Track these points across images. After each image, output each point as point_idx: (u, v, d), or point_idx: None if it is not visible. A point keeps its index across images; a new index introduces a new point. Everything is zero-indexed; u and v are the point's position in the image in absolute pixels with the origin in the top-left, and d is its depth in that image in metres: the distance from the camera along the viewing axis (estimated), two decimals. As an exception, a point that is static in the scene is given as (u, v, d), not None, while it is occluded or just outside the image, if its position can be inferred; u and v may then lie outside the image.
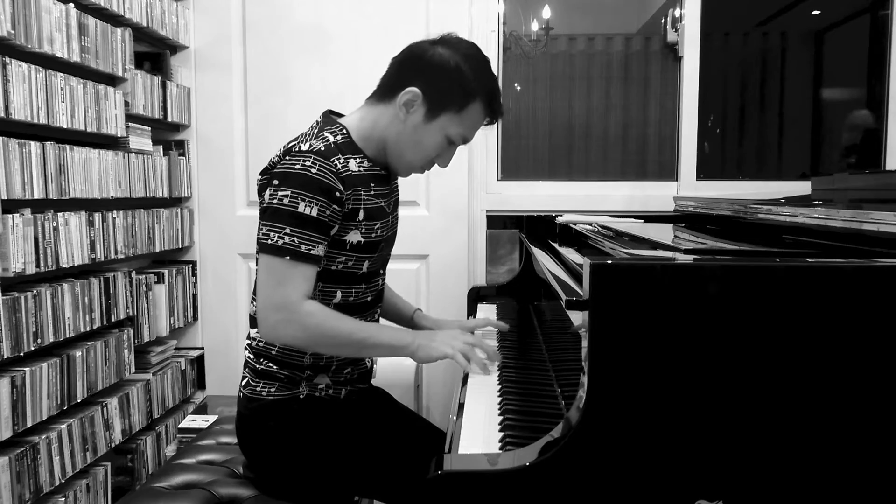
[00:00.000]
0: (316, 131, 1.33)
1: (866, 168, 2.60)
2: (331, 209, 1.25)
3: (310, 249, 1.24)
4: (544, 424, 1.01)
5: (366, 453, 1.34)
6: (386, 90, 1.35)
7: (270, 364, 1.35)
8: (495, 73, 1.38)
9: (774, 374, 0.84)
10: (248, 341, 1.40)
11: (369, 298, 1.42)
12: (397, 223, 1.50)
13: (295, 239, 1.23)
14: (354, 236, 1.32)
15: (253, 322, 1.39)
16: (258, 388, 1.35)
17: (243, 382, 1.39)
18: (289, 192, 1.23)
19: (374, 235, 1.35)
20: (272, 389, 1.35)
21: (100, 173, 2.01)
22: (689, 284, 0.84)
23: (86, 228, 1.95)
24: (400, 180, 1.50)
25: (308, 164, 1.24)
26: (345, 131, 1.34)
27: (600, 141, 2.80)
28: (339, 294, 1.35)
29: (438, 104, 1.31)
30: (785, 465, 0.84)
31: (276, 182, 1.25)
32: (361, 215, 1.32)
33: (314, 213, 1.23)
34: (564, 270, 1.30)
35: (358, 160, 1.33)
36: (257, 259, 1.30)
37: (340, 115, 1.42)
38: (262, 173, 1.33)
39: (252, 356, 1.38)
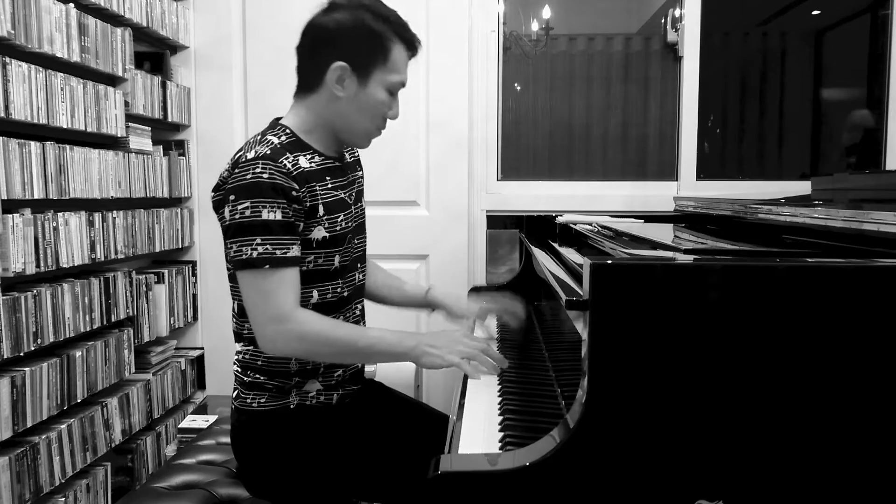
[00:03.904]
0: (259, 137, 1.33)
1: (866, 168, 2.60)
2: (292, 209, 1.25)
3: (286, 253, 1.23)
4: (544, 424, 1.01)
5: (362, 457, 1.33)
6: (309, 79, 1.36)
7: (258, 375, 1.35)
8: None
9: (774, 374, 0.84)
10: (236, 356, 1.40)
11: (346, 294, 1.40)
12: (364, 215, 1.49)
13: (268, 247, 1.22)
14: (319, 232, 1.31)
15: (237, 337, 1.39)
16: (248, 400, 1.35)
17: (234, 394, 1.39)
18: (248, 204, 1.21)
19: (338, 228, 1.34)
20: (262, 400, 1.34)
21: (100, 173, 2.01)
22: (689, 284, 0.84)
23: (86, 228, 1.95)
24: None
25: (258, 170, 1.23)
26: (288, 131, 1.34)
27: (600, 141, 2.80)
28: (315, 294, 1.34)
29: (365, 65, 1.31)
30: (785, 466, 0.84)
31: (232, 197, 1.23)
32: (321, 210, 1.31)
33: (279, 216, 1.22)
34: (564, 270, 1.30)
35: (308, 156, 1.32)
36: (230, 276, 1.30)
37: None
38: (214, 189, 1.31)
39: (240, 369, 1.38)
